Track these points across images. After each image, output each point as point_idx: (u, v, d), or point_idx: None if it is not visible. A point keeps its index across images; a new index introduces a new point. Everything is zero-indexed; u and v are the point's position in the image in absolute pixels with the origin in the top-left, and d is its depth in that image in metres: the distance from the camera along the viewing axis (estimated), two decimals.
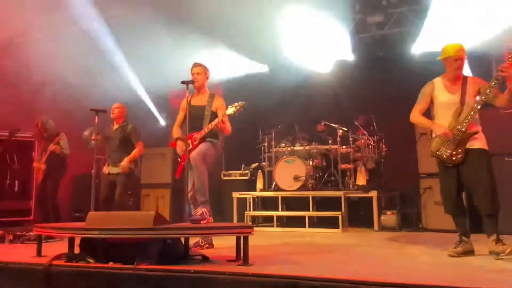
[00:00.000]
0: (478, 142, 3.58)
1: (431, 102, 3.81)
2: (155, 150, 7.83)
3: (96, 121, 5.07)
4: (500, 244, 3.36)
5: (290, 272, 2.55)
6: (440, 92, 3.75)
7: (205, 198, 4.17)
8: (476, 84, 3.67)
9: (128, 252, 2.95)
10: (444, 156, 3.63)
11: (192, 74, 4.49)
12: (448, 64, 3.72)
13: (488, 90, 3.51)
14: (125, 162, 5.29)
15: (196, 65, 4.53)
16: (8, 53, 7.22)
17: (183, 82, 4.19)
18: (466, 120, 3.54)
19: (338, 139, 6.82)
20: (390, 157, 7.25)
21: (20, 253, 3.67)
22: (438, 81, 3.81)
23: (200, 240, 4.18)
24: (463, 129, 3.55)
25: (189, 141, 4.28)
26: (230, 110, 4.23)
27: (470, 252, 3.58)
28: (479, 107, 3.54)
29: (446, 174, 3.70)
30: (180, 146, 4.42)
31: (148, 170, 7.86)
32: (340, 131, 6.86)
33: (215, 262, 3.12)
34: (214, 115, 4.37)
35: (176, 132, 4.56)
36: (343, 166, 6.84)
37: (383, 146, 7.23)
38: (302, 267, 3.00)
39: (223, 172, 7.65)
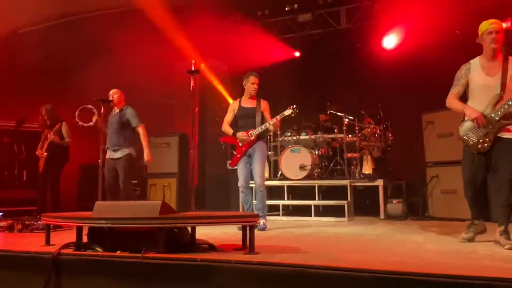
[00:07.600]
0: (510, 132, 3.33)
1: (467, 85, 3.51)
2: (161, 139, 7.81)
3: (103, 111, 5.09)
4: (504, 237, 3.29)
5: (295, 260, 2.56)
6: (477, 74, 3.44)
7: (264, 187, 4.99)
8: None
9: (135, 241, 2.98)
10: (471, 142, 3.43)
11: (253, 84, 5.05)
12: (484, 41, 3.42)
13: None
14: (146, 154, 5.44)
15: (257, 76, 5.08)
16: (15, 43, 7.22)
17: (189, 72, 4.21)
18: (502, 109, 3.28)
19: (344, 128, 6.79)
20: (396, 145, 7.20)
21: (29, 242, 3.71)
22: (475, 62, 3.51)
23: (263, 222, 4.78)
24: (497, 118, 3.30)
25: (246, 134, 4.93)
26: (288, 112, 4.90)
27: (482, 232, 3.59)
28: None
29: (472, 161, 3.48)
30: (241, 137, 4.95)
31: (154, 159, 7.75)
32: (346, 120, 6.82)
33: (221, 251, 3.14)
34: (263, 115, 5.04)
35: (228, 128, 5.11)
36: (349, 155, 6.82)
37: (390, 134, 7.19)
38: (307, 256, 3.01)
39: (229, 161, 7.64)
